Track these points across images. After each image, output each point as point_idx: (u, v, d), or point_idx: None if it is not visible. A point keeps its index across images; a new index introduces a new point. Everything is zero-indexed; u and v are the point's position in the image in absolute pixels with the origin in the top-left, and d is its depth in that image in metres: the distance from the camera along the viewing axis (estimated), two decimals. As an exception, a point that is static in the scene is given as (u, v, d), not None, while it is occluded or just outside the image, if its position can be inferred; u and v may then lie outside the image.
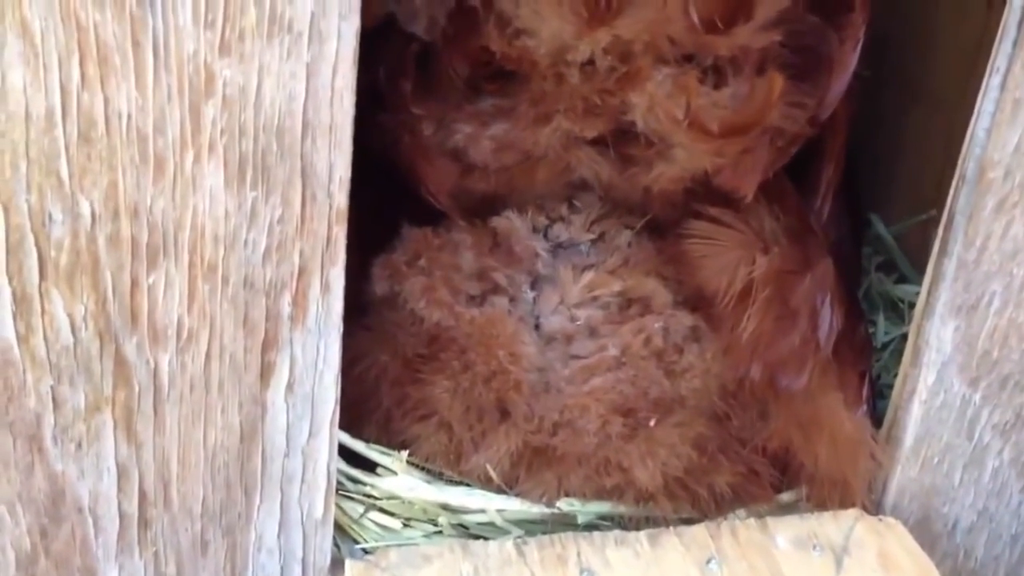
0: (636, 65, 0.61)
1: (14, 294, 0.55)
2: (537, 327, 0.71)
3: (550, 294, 0.71)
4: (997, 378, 0.75)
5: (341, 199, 0.57)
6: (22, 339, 0.56)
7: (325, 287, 0.59)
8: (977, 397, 0.75)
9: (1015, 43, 0.64)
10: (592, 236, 0.72)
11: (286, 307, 0.59)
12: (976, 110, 0.67)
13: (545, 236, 0.73)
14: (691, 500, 0.70)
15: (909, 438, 0.75)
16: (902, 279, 0.98)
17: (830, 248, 0.74)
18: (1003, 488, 0.79)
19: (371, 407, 0.70)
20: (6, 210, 0.53)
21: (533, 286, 0.72)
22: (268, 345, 0.60)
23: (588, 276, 0.71)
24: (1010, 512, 0.80)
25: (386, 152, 0.67)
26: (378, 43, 0.64)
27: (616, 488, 0.70)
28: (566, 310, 0.71)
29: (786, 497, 0.74)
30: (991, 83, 0.66)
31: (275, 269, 0.58)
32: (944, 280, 0.71)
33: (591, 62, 0.62)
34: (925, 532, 0.78)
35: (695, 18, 0.58)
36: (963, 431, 0.76)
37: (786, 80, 0.63)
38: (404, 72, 0.65)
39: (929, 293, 0.72)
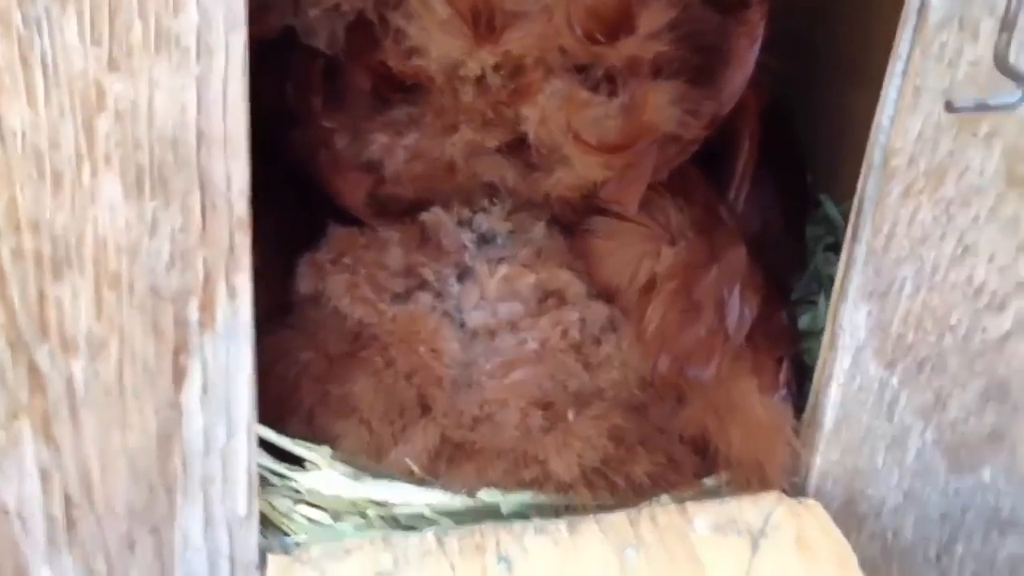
0: (527, 79, 0.62)
1: (-78, 309, 0.56)
2: (461, 324, 0.72)
3: (471, 289, 0.72)
4: (913, 361, 0.75)
5: (241, 207, 0.58)
6: (-67, 352, 0.57)
7: (231, 292, 0.60)
8: (895, 380, 0.76)
9: (915, 29, 0.65)
10: (510, 227, 0.73)
11: (194, 313, 0.60)
12: (881, 97, 0.68)
13: (470, 227, 0.74)
14: (610, 489, 0.71)
15: (829, 422, 0.76)
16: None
17: (749, 236, 0.75)
18: (928, 469, 0.80)
19: (295, 404, 0.71)
20: (-92, 228, 0.54)
21: (459, 279, 0.73)
22: (179, 350, 0.61)
23: (504, 269, 0.71)
24: (937, 492, 0.81)
25: (302, 165, 0.68)
26: (285, 57, 0.65)
27: (535, 480, 0.71)
28: (487, 305, 0.72)
29: (709, 482, 0.75)
30: (893, 69, 0.66)
31: (180, 277, 0.59)
32: (855, 266, 0.72)
33: (484, 77, 0.62)
34: (851, 514, 0.79)
35: (578, 32, 0.59)
36: (883, 413, 0.77)
37: (680, 84, 0.64)
38: (311, 86, 0.66)
39: (842, 279, 0.73)
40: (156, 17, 0.53)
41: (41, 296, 0.57)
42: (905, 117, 0.66)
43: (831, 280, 0.98)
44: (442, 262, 0.71)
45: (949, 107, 0.63)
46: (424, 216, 0.71)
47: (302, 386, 0.70)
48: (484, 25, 0.59)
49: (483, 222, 0.73)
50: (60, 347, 0.59)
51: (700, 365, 0.69)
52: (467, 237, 0.73)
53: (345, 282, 0.70)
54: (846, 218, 1.01)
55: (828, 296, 0.97)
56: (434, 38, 0.60)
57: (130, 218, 0.57)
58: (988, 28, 0.63)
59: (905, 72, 0.65)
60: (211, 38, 0.54)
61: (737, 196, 0.72)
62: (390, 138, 0.67)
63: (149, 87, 0.54)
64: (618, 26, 0.59)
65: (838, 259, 0.99)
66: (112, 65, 0.53)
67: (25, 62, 0.52)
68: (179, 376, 0.61)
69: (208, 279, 0.60)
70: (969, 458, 0.80)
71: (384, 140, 0.66)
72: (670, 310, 0.68)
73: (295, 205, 0.73)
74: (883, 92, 0.67)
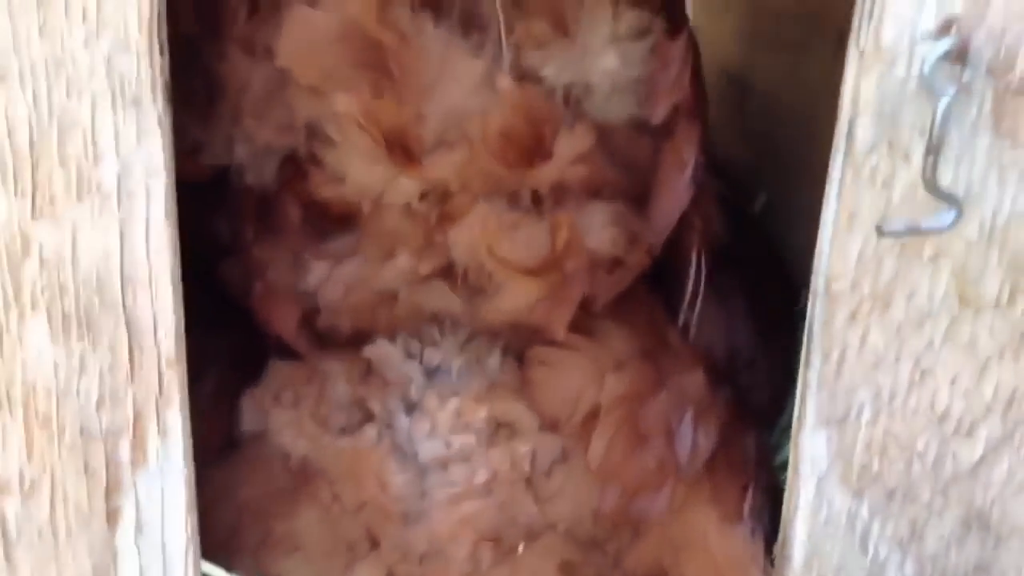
0: (453, 204, 0.64)
1: None
2: (409, 457, 0.72)
3: (421, 422, 0.73)
4: (882, 490, 0.73)
5: (168, 347, 0.60)
6: None
7: (163, 431, 0.62)
8: (864, 510, 0.74)
9: (845, 153, 0.65)
10: (462, 360, 0.73)
11: (125, 452, 0.61)
12: (820, 221, 0.68)
13: (420, 361, 0.74)
14: (565, 627, 0.70)
15: (798, 555, 0.74)
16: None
17: (710, 360, 0.75)
18: (911, 603, 0.77)
19: (241, 541, 0.71)
20: None
21: (408, 412, 0.73)
22: (111, 490, 0.62)
23: (454, 403, 0.72)
24: (924, 629, 0.78)
25: (239, 298, 0.70)
26: (223, 194, 0.67)
27: (484, 617, 0.70)
28: (438, 437, 0.73)
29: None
30: (829, 194, 0.67)
31: (110, 417, 0.61)
32: (810, 391, 0.71)
33: (411, 204, 0.64)
34: (833, 654, 0.76)
35: (496, 158, 0.60)
36: (856, 546, 0.75)
37: (613, 207, 0.65)
38: (244, 219, 0.68)
39: (799, 405, 0.72)
40: (77, 166, 0.56)
41: (-28, 439, 0.59)
42: (843, 241, 0.67)
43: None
44: (389, 395, 0.72)
45: (880, 232, 0.63)
46: (368, 350, 0.71)
47: (247, 523, 0.71)
48: (402, 153, 0.60)
49: (434, 356, 0.74)
50: (-7, 489, 0.60)
51: (649, 497, 0.68)
52: (415, 371, 0.73)
53: (288, 418, 0.71)
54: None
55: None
56: (355, 167, 0.62)
57: (58, 360, 0.59)
58: (919, 150, 0.64)
59: (839, 196, 0.66)
60: (131, 185, 0.57)
61: (689, 320, 0.72)
62: (328, 268, 0.68)
63: (73, 234, 0.57)
64: (532, 152, 0.61)
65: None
66: (36, 214, 0.56)
67: (-49, 215, 0.55)
68: (113, 516, 0.62)
69: (138, 418, 0.61)
70: (954, 593, 0.77)
71: (322, 270, 0.68)
72: (615, 440, 0.67)
73: (248, 339, 0.74)
74: (821, 216, 0.67)
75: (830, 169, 0.66)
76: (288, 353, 0.73)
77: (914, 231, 0.64)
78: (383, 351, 0.73)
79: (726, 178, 1.01)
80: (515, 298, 0.66)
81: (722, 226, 0.77)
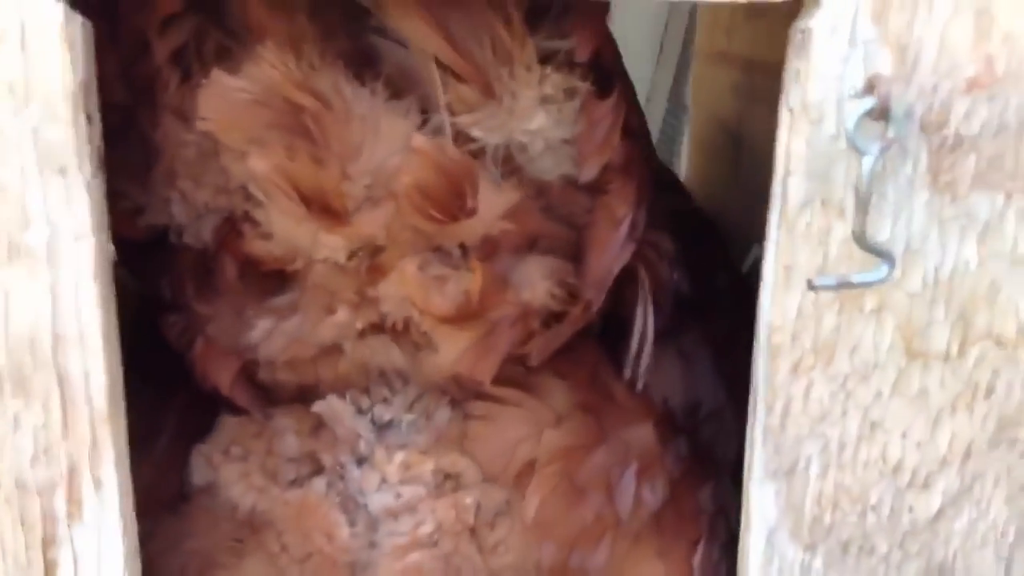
0: (380, 259, 0.65)
1: None
2: (357, 509, 0.74)
3: (370, 474, 0.74)
4: (836, 543, 0.74)
5: (100, 403, 0.62)
6: None
7: (97, 485, 0.63)
8: (818, 563, 0.74)
9: (780, 211, 0.66)
10: (413, 416, 0.75)
11: (61, 506, 0.63)
12: (760, 281, 0.69)
13: (370, 418, 0.76)
14: None
15: (752, 609, 0.74)
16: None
17: (667, 413, 0.76)
18: (881, 660, 0.77)
19: (188, 594, 0.73)
20: None
21: (358, 464, 0.75)
22: (48, 543, 0.64)
23: (401, 455, 0.73)
24: None
25: (181, 353, 0.72)
26: (164, 252, 0.69)
27: (429, 669, 0.71)
28: (388, 488, 0.74)
29: None
30: (768, 249, 0.68)
31: (45, 471, 0.63)
32: (756, 444, 0.71)
33: (347, 257, 0.66)
34: None
35: (417, 214, 0.62)
36: (810, 599, 0.75)
37: (556, 261, 0.66)
38: (184, 277, 0.70)
39: (747, 458, 0.72)
40: (8, 231, 0.58)
41: (-88, 492, 0.61)
42: (781, 296, 0.67)
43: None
44: (339, 449, 0.73)
45: (811, 286, 0.64)
46: (318, 406, 0.73)
47: (194, 573, 0.72)
48: (325, 211, 0.62)
49: (384, 412, 0.75)
50: (-67, 541, 0.63)
51: (587, 550, 0.69)
52: (364, 426, 0.74)
53: (237, 471, 0.73)
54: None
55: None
56: (280, 226, 0.64)
57: (-7, 417, 0.61)
58: (853, 206, 0.64)
59: (776, 252, 0.66)
60: (60, 248, 0.59)
61: (636, 373, 0.73)
62: (270, 324, 0.70)
63: (4, 295, 0.59)
64: (453, 207, 0.62)
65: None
66: (-32, 274, 0.58)
67: None
68: (50, 569, 0.64)
69: (73, 473, 0.63)
70: (923, 650, 0.77)
71: (264, 326, 0.69)
72: (551, 494, 0.68)
73: (203, 394, 0.76)
74: (762, 272, 0.68)
75: (768, 225, 0.67)
76: (239, 409, 0.74)
77: (845, 285, 0.64)
78: (333, 407, 0.74)
79: (720, 233, 1.02)
80: (445, 350, 0.67)
81: (678, 282, 0.78)
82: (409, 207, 0.61)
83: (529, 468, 0.69)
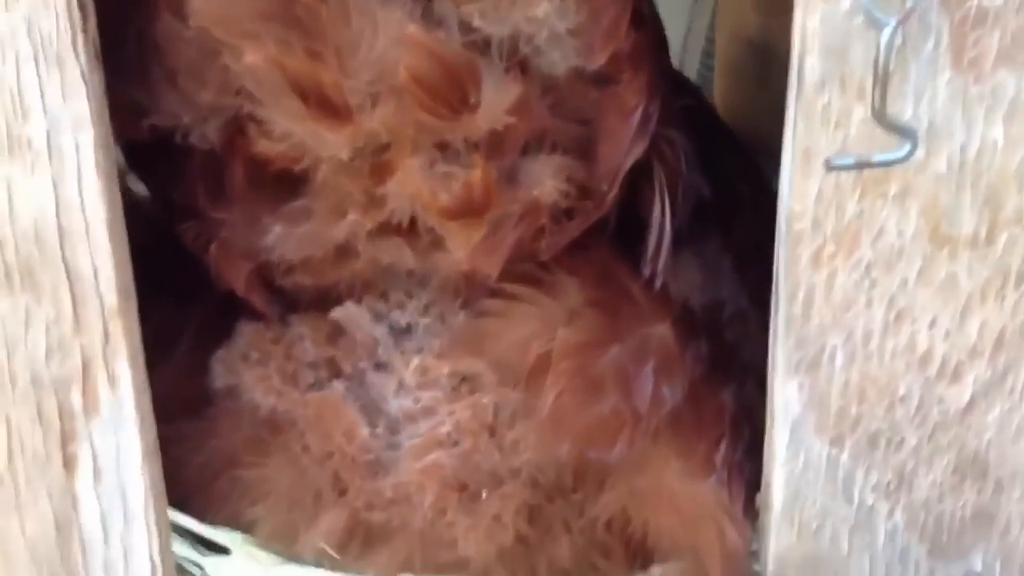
0: (386, 157, 0.65)
1: None
2: (376, 411, 0.75)
3: (387, 379, 0.75)
4: (863, 436, 0.73)
5: (111, 298, 0.63)
6: None
7: (112, 380, 0.65)
8: (844, 457, 0.74)
9: (796, 92, 0.65)
10: (428, 320, 0.75)
11: (77, 402, 0.65)
12: (780, 169, 0.68)
13: (387, 323, 0.76)
14: (531, 573, 0.72)
15: (778, 503, 0.74)
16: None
17: (686, 313, 0.75)
18: (905, 555, 0.77)
19: (214, 492, 0.75)
20: None
21: (375, 369, 0.76)
22: (67, 439, 0.66)
23: (417, 360, 0.74)
24: (918, 579, 0.78)
25: (200, 259, 0.73)
26: (177, 157, 0.70)
27: (451, 564, 0.72)
28: (404, 393, 0.75)
29: (641, 577, 0.75)
30: (786, 133, 0.67)
31: (60, 367, 0.64)
32: (778, 338, 0.71)
33: (350, 159, 0.66)
34: (816, 605, 0.77)
35: (418, 108, 0.62)
36: (839, 494, 0.75)
37: (557, 157, 0.66)
38: (195, 181, 0.70)
39: (771, 351, 0.72)
40: (7, 123, 0.59)
41: (-69, 388, 0.64)
42: (800, 181, 0.66)
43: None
44: (357, 355, 0.74)
45: (828, 166, 0.63)
46: (336, 312, 0.74)
47: (217, 473, 0.74)
48: (325, 108, 0.62)
49: (400, 317, 0.76)
50: (-47, 437, 0.65)
51: (604, 447, 0.69)
52: (381, 333, 0.75)
53: (256, 376, 0.74)
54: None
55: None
56: (291, 123, 0.64)
57: (5, 312, 0.62)
58: (872, 85, 0.63)
59: (794, 135, 0.65)
60: (61, 140, 0.60)
61: (655, 272, 0.73)
62: (284, 228, 0.70)
63: (8, 189, 0.60)
64: (454, 101, 0.62)
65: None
66: (-28, 169, 0.60)
67: None
68: (70, 464, 0.66)
69: (87, 368, 0.65)
70: (953, 543, 0.77)
71: (279, 230, 0.70)
72: (566, 391, 0.69)
73: (215, 306, 0.77)
74: (781, 159, 0.67)
75: (786, 108, 0.66)
76: (258, 315, 0.76)
77: (865, 164, 0.63)
78: (350, 313, 0.75)
79: (744, 147, 1.01)
80: (453, 247, 0.68)
81: (698, 185, 0.77)
82: (410, 102, 0.61)
83: (544, 364, 0.69)
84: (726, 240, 0.83)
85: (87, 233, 0.62)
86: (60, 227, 0.62)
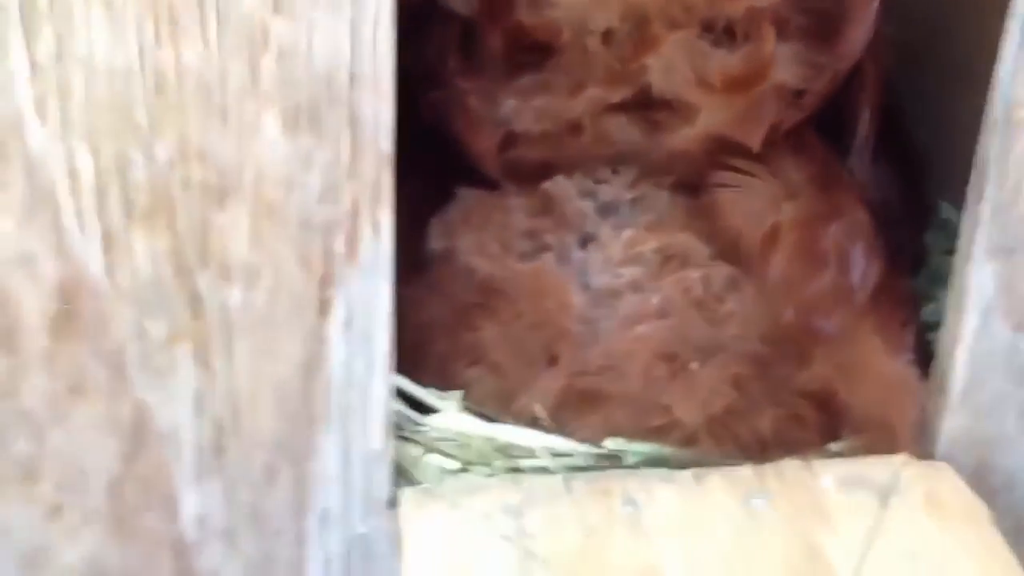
0: (651, 32, 0.70)
1: (103, 232, 0.65)
2: (585, 284, 0.79)
3: (596, 253, 0.79)
4: (1047, 325, 0.78)
5: (386, 145, 0.67)
6: (110, 273, 0.66)
7: (375, 228, 0.68)
8: (1025, 345, 0.79)
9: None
10: (632, 195, 0.79)
11: (340, 246, 0.68)
12: (999, 56, 0.72)
13: (592, 198, 0.80)
14: (735, 441, 0.77)
15: (957, 384, 0.79)
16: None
17: (870, 205, 0.80)
18: (1074, 441, 0.82)
19: (428, 354, 0.79)
20: (95, 154, 0.64)
21: (582, 246, 0.80)
22: (325, 282, 0.69)
23: (627, 234, 0.78)
24: (1084, 467, 0.83)
25: (439, 127, 0.76)
26: (427, 25, 0.74)
27: (661, 428, 0.77)
28: (611, 268, 0.79)
29: (834, 447, 0.80)
30: (1010, 27, 0.71)
31: (329, 210, 0.68)
32: (980, 224, 0.76)
33: (611, 31, 0.70)
34: (982, 485, 0.81)
35: None
36: (1014, 378, 0.80)
37: (798, 39, 0.71)
38: (449, 49, 0.74)
39: (966, 237, 0.77)
40: (316, -36, 0.62)
41: (205, 224, 0.66)
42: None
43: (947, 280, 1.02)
44: (565, 229, 0.78)
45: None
46: (547, 185, 0.78)
47: (434, 336, 0.78)
48: None
49: (607, 193, 0.80)
50: (219, 275, 0.68)
51: (825, 317, 0.74)
52: (589, 207, 0.79)
53: (474, 239, 0.78)
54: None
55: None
56: None
57: (287, 152, 0.65)
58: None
59: (1021, 22, 0.70)
60: (362, -17, 0.63)
61: (859, 164, 0.78)
62: (519, 101, 0.74)
63: (308, 29, 0.63)
64: None
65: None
66: (276, 8, 0.62)
67: (201, 5, 0.62)
68: (324, 307, 0.69)
69: (354, 213, 0.68)
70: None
71: (513, 103, 0.74)
72: (794, 260, 0.73)
73: (430, 176, 0.81)
74: (1001, 52, 0.72)
75: (1013, 5, 0.70)
76: (476, 184, 0.79)
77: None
78: (561, 186, 0.79)
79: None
80: (710, 120, 0.72)
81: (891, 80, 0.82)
82: None
83: (775, 235, 0.74)
84: (889, 155, 0.88)
85: (374, 80, 0.65)
86: (351, 71, 0.65)
